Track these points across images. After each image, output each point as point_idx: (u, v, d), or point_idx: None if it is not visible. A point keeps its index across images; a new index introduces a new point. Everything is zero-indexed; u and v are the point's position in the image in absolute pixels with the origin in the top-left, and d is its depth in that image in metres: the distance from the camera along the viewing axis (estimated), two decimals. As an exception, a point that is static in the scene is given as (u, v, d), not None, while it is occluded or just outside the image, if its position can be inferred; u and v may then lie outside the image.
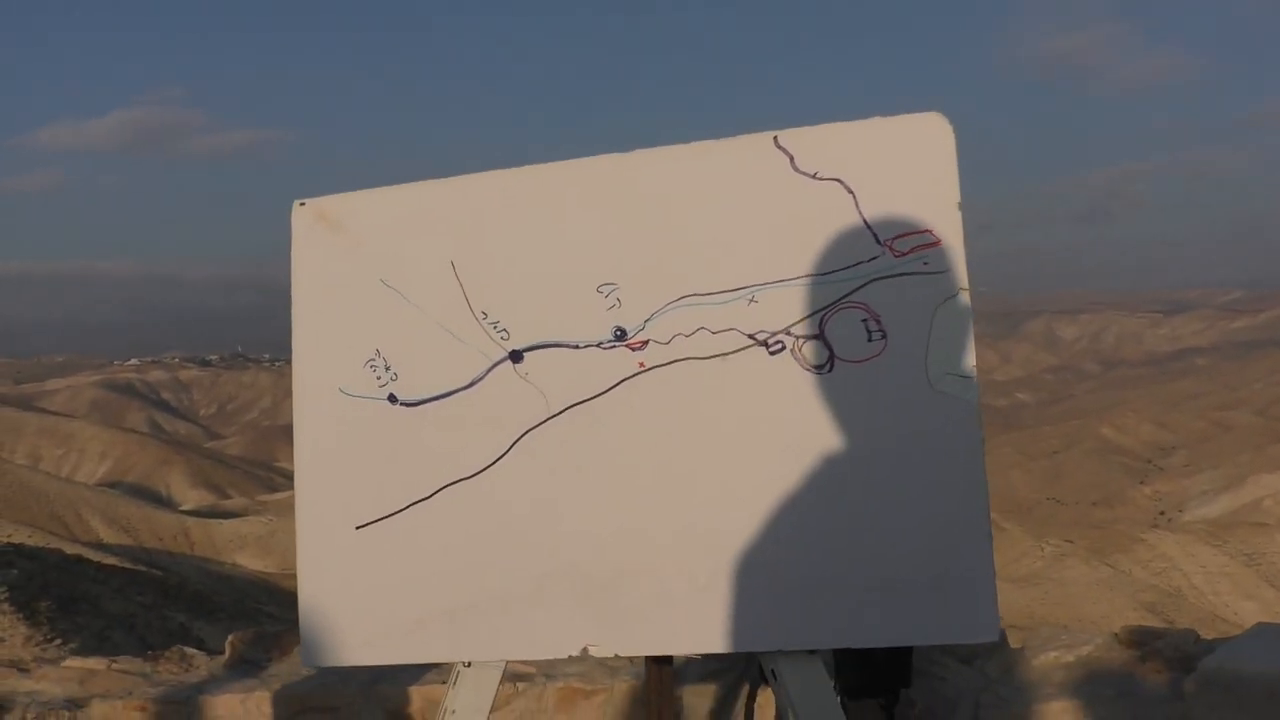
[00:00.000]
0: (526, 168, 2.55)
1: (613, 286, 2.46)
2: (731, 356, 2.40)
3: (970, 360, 2.29)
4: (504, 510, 2.49)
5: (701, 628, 2.40)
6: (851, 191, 2.36)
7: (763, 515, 2.36)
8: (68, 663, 5.44)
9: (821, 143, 2.39)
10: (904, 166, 2.34)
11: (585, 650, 2.45)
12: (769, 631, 2.37)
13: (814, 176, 2.38)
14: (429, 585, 2.53)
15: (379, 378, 2.59)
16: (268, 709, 4.57)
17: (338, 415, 2.61)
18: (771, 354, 2.38)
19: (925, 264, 2.32)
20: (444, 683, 4.45)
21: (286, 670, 4.68)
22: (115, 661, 5.38)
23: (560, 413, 2.48)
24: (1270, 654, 3.95)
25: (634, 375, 2.44)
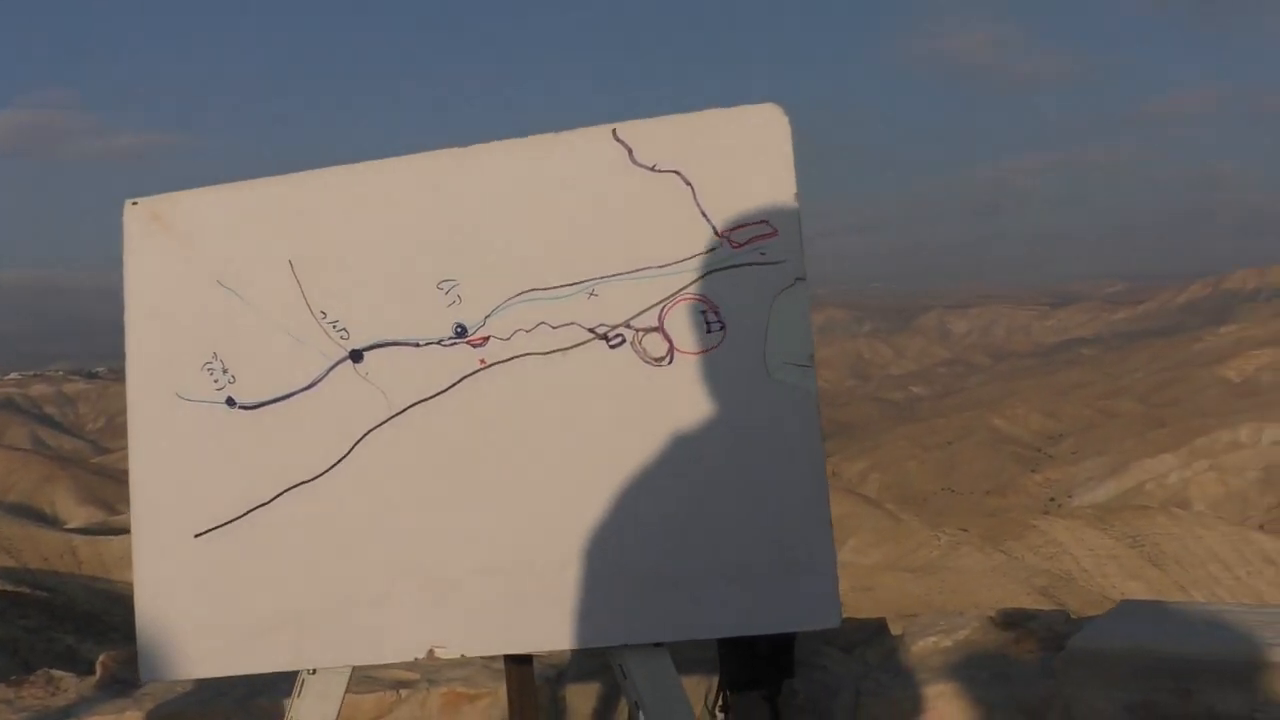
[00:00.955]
0: (364, 164, 2.51)
1: (453, 283, 2.43)
2: (572, 351, 2.38)
3: (808, 349, 2.31)
4: (347, 512, 2.45)
5: (549, 625, 2.38)
6: (690, 183, 2.36)
7: (606, 510, 2.36)
8: (-77, 694, 5.23)
9: (660, 135, 2.39)
10: (741, 158, 2.35)
11: (432, 652, 2.41)
12: (617, 626, 2.37)
13: (653, 169, 2.38)
14: (271, 592, 2.47)
15: (216, 381, 2.52)
16: (139, 729, 4.44)
17: (174, 420, 2.54)
18: (612, 347, 2.37)
19: (763, 254, 2.33)
20: (325, 693, 4.38)
21: (162, 688, 4.55)
22: (-26, 689, 5.18)
23: (402, 412, 2.44)
24: (1133, 630, 4.06)
25: (475, 372, 2.42)
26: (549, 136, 2.44)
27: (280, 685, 4.40)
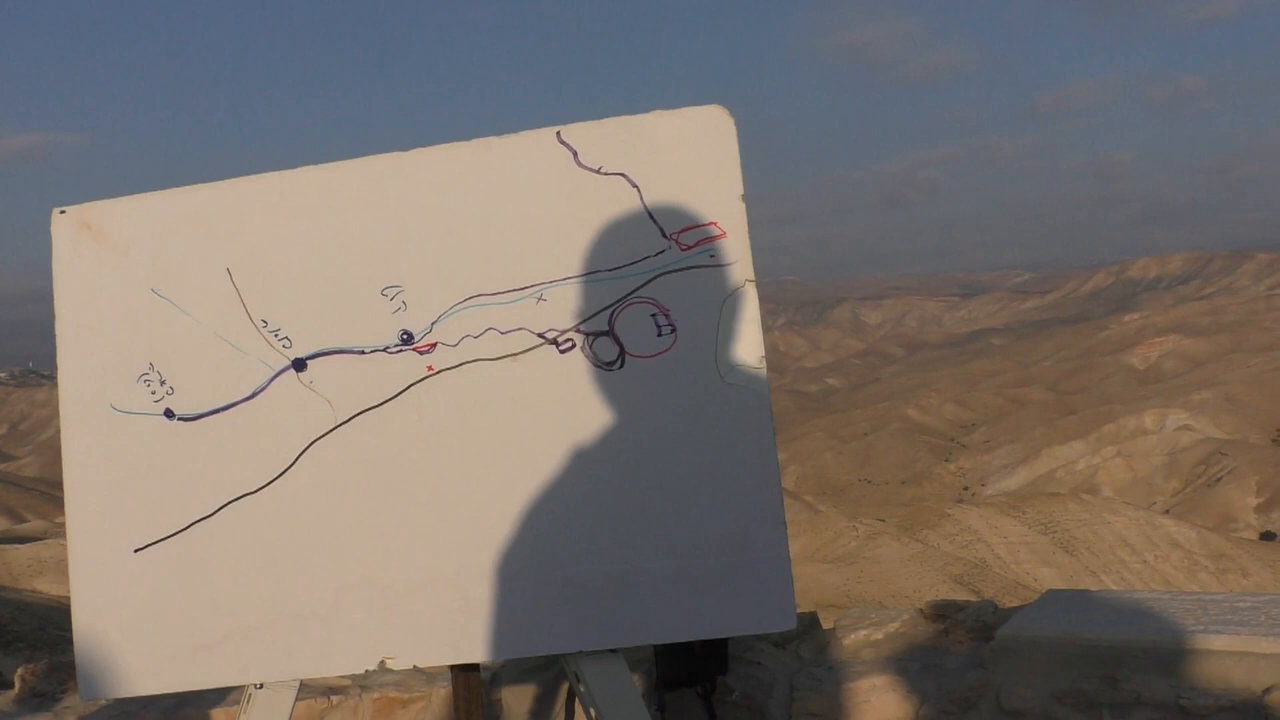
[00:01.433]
0: (304, 168, 2.46)
1: (398, 289, 2.40)
2: (521, 356, 2.36)
3: (759, 351, 2.31)
4: (292, 524, 2.40)
5: (502, 634, 2.36)
6: (636, 186, 2.35)
7: (559, 516, 2.34)
8: None
9: (605, 137, 2.37)
10: (687, 159, 2.35)
11: (383, 664, 2.38)
12: (570, 633, 2.35)
13: (598, 171, 2.36)
14: (215, 606, 2.41)
15: (154, 392, 2.46)
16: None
17: (110, 433, 2.46)
18: (562, 353, 2.35)
19: (712, 256, 2.33)
20: (252, 703, 4.30)
21: (82, 702, 4.44)
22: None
23: (347, 421, 2.40)
24: (1059, 618, 4.14)
25: (422, 379, 2.39)
26: (492, 139, 2.41)
27: (207, 696, 4.32)
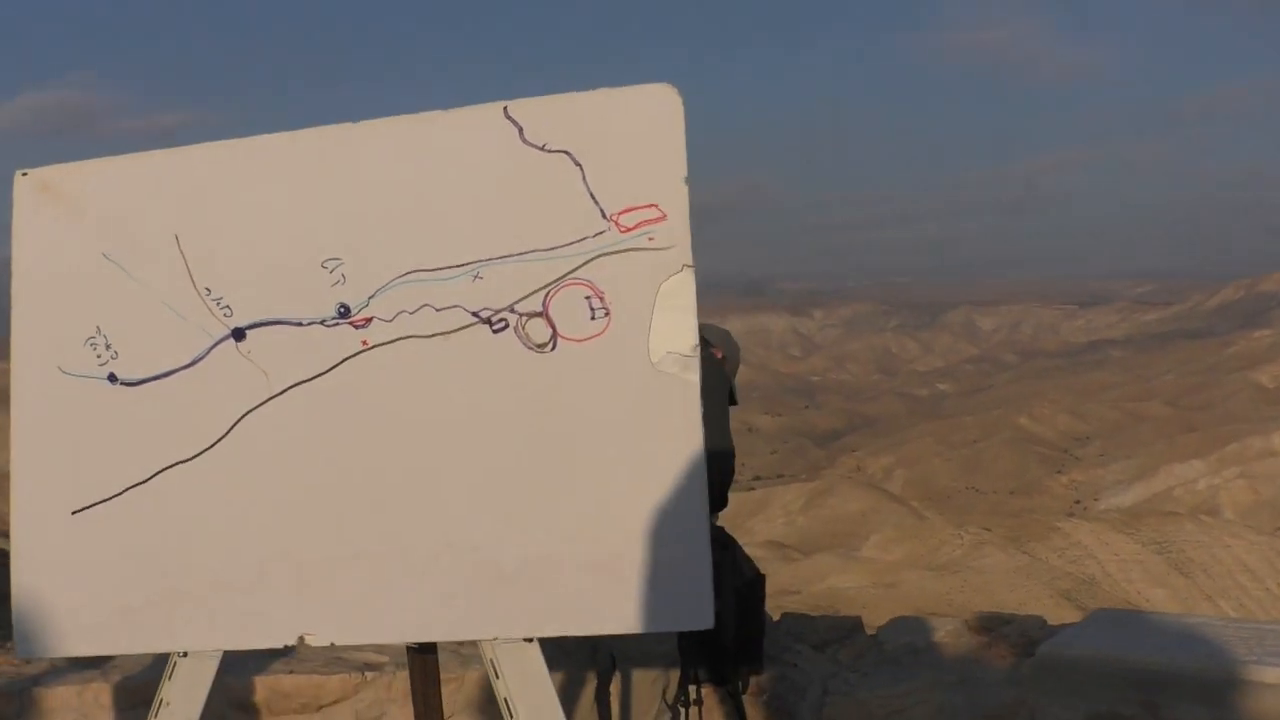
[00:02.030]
0: (253, 138, 2.45)
1: (337, 262, 2.37)
2: (454, 335, 2.32)
3: (692, 340, 2.23)
4: (221, 494, 2.40)
5: (419, 616, 2.33)
6: (579, 164, 2.29)
7: (481, 498, 2.30)
8: (-102, 655, 5.25)
9: (552, 113, 2.31)
10: (632, 139, 2.28)
11: (302, 639, 2.36)
12: (486, 619, 2.30)
13: (543, 149, 2.30)
14: (145, 572, 2.42)
15: (99, 356, 2.47)
16: (106, 700, 4.44)
17: (56, 395, 2.48)
18: (495, 332, 2.30)
19: (651, 239, 2.25)
20: (290, 672, 4.36)
21: (130, 661, 4.55)
22: (-52, 654, 5.20)
23: (281, 393, 2.39)
24: (1102, 639, 3.97)
25: (357, 354, 2.36)
26: (438, 113, 2.37)
27: (248, 664, 4.39)
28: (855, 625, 4.95)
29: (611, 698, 4.14)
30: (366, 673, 4.61)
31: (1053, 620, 4.92)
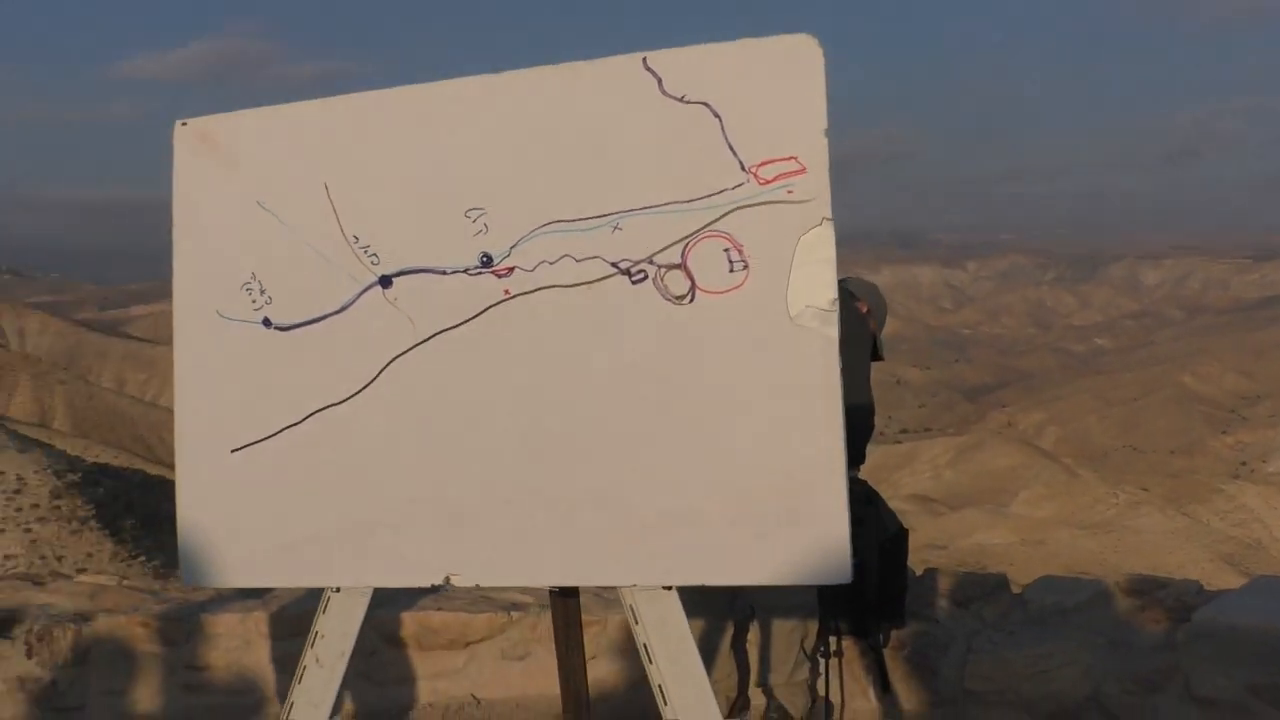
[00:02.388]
0: (400, 88, 2.49)
1: (480, 211, 2.41)
2: (594, 285, 2.34)
3: (831, 293, 2.21)
4: (371, 437, 2.47)
5: (559, 560, 2.37)
6: (718, 115, 2.27)
7: (621, 448, 2.32)
8: (80, 578, 5.60)
9: (691, 65, 2.30)
10: (772, 91, 2.25)
11: (448, 579, 2.43)
12: (625, 566, 2.34)
13: (681, 100, 2.29)
14: (299, 510, 2.52)
15: (254, 301, 2.57)
16: (265, 628, 4.67)
17: (214, 338, 2.59)
18: (634, 283, 2.31)
19: (790, 192, 2.23)
20: (438, 609, 4.51)
21: (289, 592, 4.77)
22: (126, 578, 5.53)
23: (427, 340, 2.44)
24: (1264, 608, 3.84)
25: (499, 303, 2.40)
26: (579, 64, 2.38)
27: (398, 599, 4.56)
28: (1000, 583, 4.87)
29: (749, 646, 4.17)
30: (512, 612, 4.73)
31: (1212, 585, 4.75)
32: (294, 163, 2.55)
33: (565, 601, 2.68)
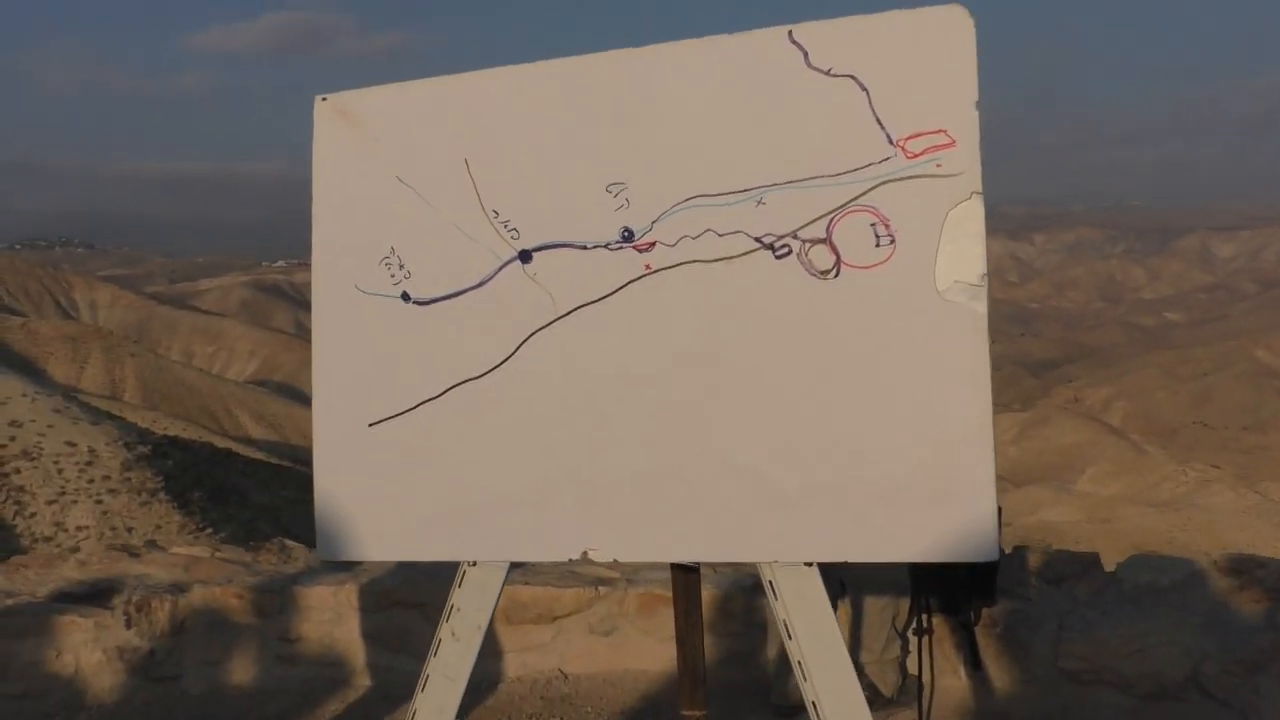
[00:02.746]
0: (539, 64, 2.49)
1: (621, 186, 2.40)
2: (737, 260, 2.33)
3: (980, 269, 2.19)
4: (510, 411, 2.49)
5: (699, 537, 2.37)
6: (865, 89, 2.25)
7: (764, 423, 2.31)
8: (175, 549, 5.73)
9: (837, 37, 2.28)
10: (921, 62, 2.22)
11: (585, 555, 2.44)
12: (766, 542, 2.33)
13: (827, 73, 2.27)
14: (436, 484, 2.54)
15: (393, 275, 2.59)
16: (355, 601, 4.74)
17: (354, 312, 2.62)
18: (778, 258, 2.30)
19: (939, 166, 2.20)
20: (526, 583, 4.55)
21: (377, 566, 4.84)
22: (219, 550, 5.65)
23: (567, 314, 2.45)
24: None
25: (640, 277, 2.39)
26: (723, 37, 2.36)
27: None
28: (1093, 561, 4.83)
29: (840, 624, 4.17)
30: (600, 587, 4.76)
31: (1286, 565, 4.67)
32: (434, 138, 2.56)
33: (686, 576, 2.69)
